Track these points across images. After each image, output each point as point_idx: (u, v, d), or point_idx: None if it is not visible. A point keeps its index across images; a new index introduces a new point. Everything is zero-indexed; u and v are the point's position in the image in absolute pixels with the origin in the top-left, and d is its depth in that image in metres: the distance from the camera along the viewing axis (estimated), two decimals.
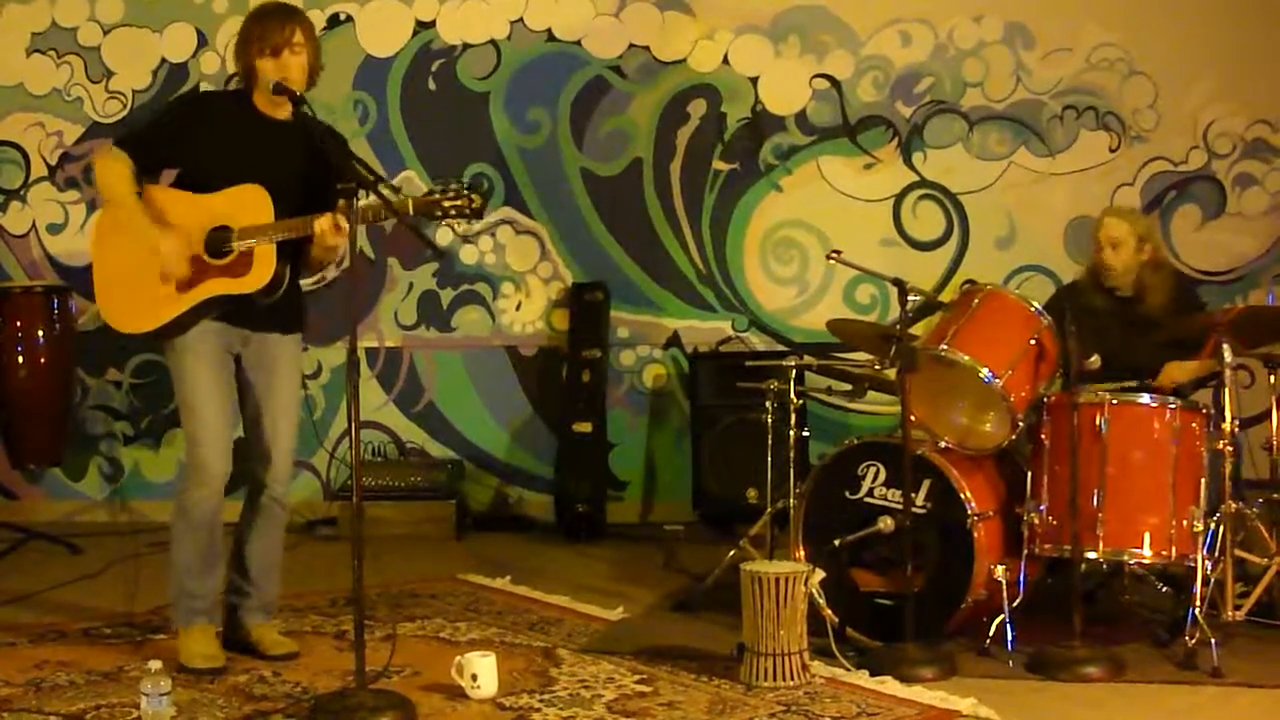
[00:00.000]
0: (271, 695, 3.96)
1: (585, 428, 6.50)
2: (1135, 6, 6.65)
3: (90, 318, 6.22)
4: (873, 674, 4.10)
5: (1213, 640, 4.17)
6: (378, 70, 6.72)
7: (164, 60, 6.65)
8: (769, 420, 5.08)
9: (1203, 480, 4.44)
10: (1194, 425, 4.46)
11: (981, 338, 4.46)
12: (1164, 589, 4.71)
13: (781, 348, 6.63)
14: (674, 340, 6.80)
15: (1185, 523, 4.37)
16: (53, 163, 6.68)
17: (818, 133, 6.75)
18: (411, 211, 3.97)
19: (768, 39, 6.73)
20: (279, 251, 4.09)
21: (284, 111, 4.18)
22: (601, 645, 4.47)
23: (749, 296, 6.79)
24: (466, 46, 6.74)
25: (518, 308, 6.81)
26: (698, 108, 6.75)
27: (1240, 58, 6.59)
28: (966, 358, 4.41)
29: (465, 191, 3.95)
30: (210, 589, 4.27)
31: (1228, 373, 4.42)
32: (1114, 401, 4.43)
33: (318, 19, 6.64)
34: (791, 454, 4.94)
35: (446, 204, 3.97)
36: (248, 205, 4.09)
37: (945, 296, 5.88)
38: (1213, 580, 4.35)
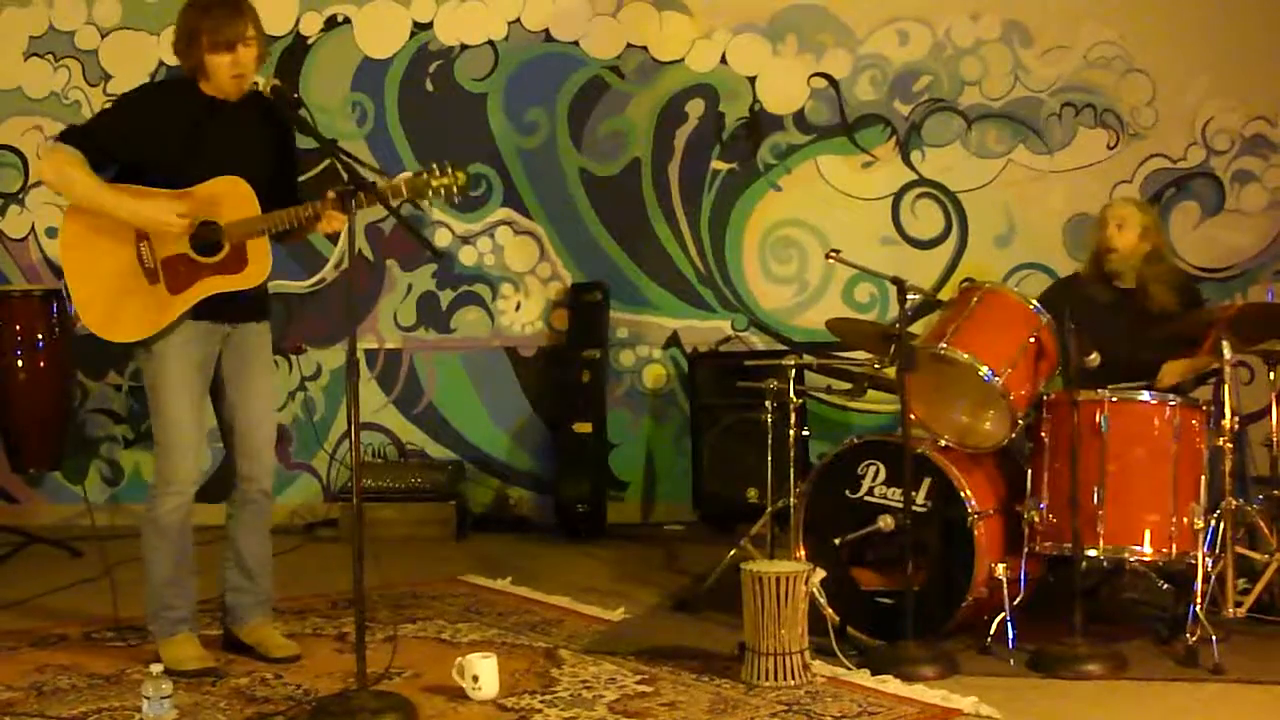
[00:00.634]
0: (273, 697, 3.95)
1: (585, 428, 6.50)
2: (1133, 4, 6.65)
3: None
4: (874, 673, 4.10)
5: (1214, 637, 4.17)
6: (375, 72, 6.72)
7: (161, 63, 6.64)
8: (769, 420, 5.08)
9: (1203, 477, 4.44)
10: (1194, 422, 4.46)
11: (981, 336, 4.46)
12: (1165, 586, 4.70)
13: (781, 347, 6.63)
14: (673, 340, 6.80)
15: (1186, 520, 4.37)
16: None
17: (816, 132, 6.74)
18: (405, 191, 3.96)
19: (765, 38, 6.73)
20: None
21: (237, 94, 4.08)
22: (602, 646, 4.47)
23: (748, 296, 6.79)
24: (464, 47, 6.74)
25: (517, 308, 6.81)
26: (696, 107, 6.75)
27: (1238, 54, 6.59)
28: (966, 356, 4.40)
29: (449, 169, 3.95)
30: (188, 598, 4.25)
31: (1227, 369, 4.42)
32: (1114, 399, 4.43)
33: (315, 20, 6.66)
34: (791, 453, 4.94)
35: (435, 183, 3.96)
36: (231, 198, 4.02)
37: (944, 295, 5.87)
38: (1213, 577, 4.36)
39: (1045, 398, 4.53)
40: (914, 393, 4.41)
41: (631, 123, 6.76)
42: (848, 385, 5.35)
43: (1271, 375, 4.76)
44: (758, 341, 6.76)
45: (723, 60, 6.74)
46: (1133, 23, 6.63)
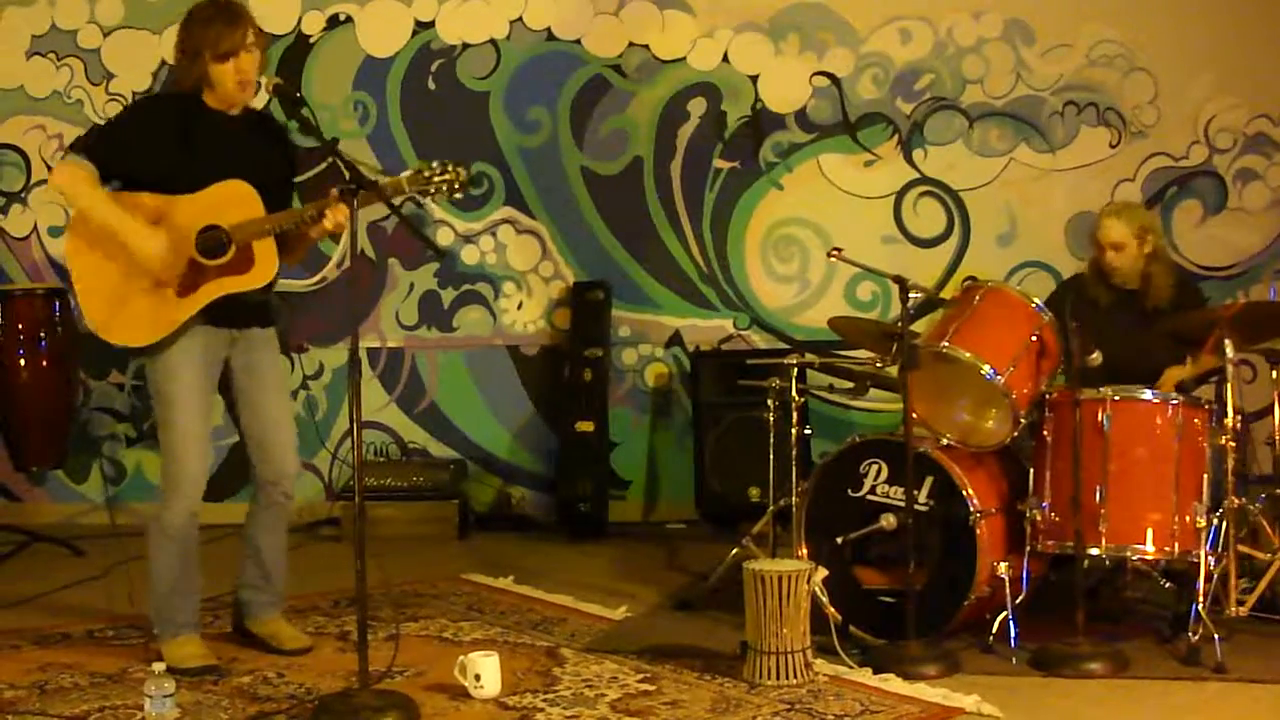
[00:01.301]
0: (275, 696, 3.96)
1: (587, 427, 6.50)
2: (1135, 2, 6.64)
3: None
4: (876, 671, 4.10)
5: (1216, 636, 4.17)
6: (377, 70, 6.72)
7: (163, 62, 6.65)
8: (771, 418, 5.08)
9: (1205, 476, 4.43)
10: (1196, 421, 4.46)
11: (983, 334, 4.45)
12: (1167, 585, 4.70)
13: (783, 346, 6.63)
14: (675, 339, 6.80)
15: (1188, 518, 4.37)
16: (53, 165, 6.67)
17: (818, 130, 6.74)
18: (407, 186, 3.97)
19: (767, 37, 6.72)
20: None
21: (238, 105, 4.16)
22: (604, 644, 4.47)
23: (750, 294, 6.79)
24: (466, 46, 6.74)
25: (519, 307, 6.81)
26: (698, 106, 6.75)
27: (1240, 52, 6.59)
28: (968, 354, 4.40)
29: (451, 166, 3.96)
30: (193, 602, 4.27)
31: (1230, 368, 4.42)
32: (1116, 398, 4.43)
33: (317, 19, 6.66)
34: (793, 452, 4.94)
35: (436, 179, 3.98)
36: (234, 201, 4.05)
37: (946, 293, 5.87)
38: (1216, 576, 4.35)
39: (1047, 396, 4.53)
40: (916, 391, 4.42)
41: (633, 121, 6.76)
42: (850, 384, 5.35)
43: (1274, 374, 4.76)
44: (760, 340, 6.76)
45: (725, 59, 6.73)
46: (1135, 21, 6.62)
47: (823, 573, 4.31)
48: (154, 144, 4.09)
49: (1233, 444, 4.41)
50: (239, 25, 4.07)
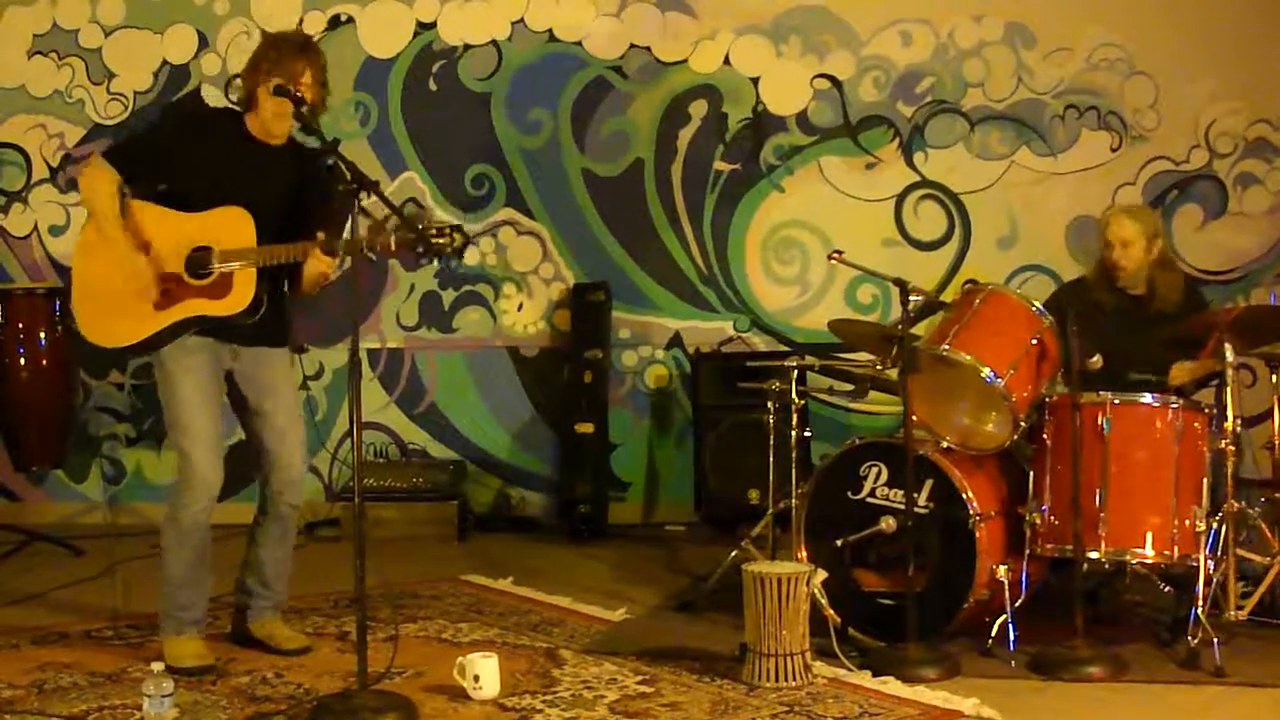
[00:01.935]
0: (274, 696, 3.96)
1: (587, 428, 6.50)
2: (1136, 6, 6.65)
3: None
4: (875, 674, 4.10)
5: (1215, 640, 4.17)
6: (379, 71, 6.73)
7: (165, 62, 6.66)
8: (771, 421, 5.08)
9: (1205, 480, 4.44)
10: (1196, 425, 4.46)
11: (983, 338, 4.45)
12: (1166, 588, 4.71)
13: (783, 348, 6.63)
14: (675, 341, 6.80)
15: (1187, 522, 4.37)
16: (54, 165, 6.68)
17: (819, 133, 6.74)
18: (394, 245, 3.97)
19: (769, 39, 6.72)
20: (260, 274, 4.13)
21: (277, 137, 4.22)
22: (604, 646, 4.47)
23: (750, 297, 6.79)
24: (468, 47, 6.74)
25: (519, 308, 6.81)
26: (699, 108, 6.75)
27: (1241, 57, 6.59)
28: (968, 358, 4.40)
29: (450, 230, 3.96)
30: (201, 600, 4.29)
31: (1230, 372, 4.42)
32: (1116, 401, 4.43)
33: (319, 20, 6.66)
34: (793, 454, 4.94)
35: (434, 241, 3.96)
36: (229, 227, 4.12)
37: (947, 296, 5.86)
38: (1215, 580, 4.35)
39: (1047, 400, 4.53)
40: (916, 394, 4.42)
41: (634, 123, 6.76)
42: (850, 386, 5.36)
43: (1274, 378, 4.76)
44: (760, 342, 6.76)
45: (726, 61, 6.73)
46: (1136, 25, 6.62)
47: (822, 575, 4.31)
48: (182, 158, 4.18)
49: (1232, 448, 4.41)
50: (301, 59, 4.14)
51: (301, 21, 6.64)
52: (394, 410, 6.78)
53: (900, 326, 4.47)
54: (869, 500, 4.56)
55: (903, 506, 4.37)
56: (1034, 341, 4.47)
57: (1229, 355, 4.40)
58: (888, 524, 4.47)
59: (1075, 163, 6.67)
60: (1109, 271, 5.04)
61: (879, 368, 4.83)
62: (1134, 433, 4.43)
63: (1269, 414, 4.77)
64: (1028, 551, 4.45)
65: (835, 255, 4.74)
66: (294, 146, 4.30)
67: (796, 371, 5.03)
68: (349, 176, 3.86)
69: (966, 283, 5.34)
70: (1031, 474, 4.53)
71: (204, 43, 6.67)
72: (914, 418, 4.39)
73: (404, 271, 6.74)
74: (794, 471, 4.89)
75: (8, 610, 4.94)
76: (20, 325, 6.01)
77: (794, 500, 4.79)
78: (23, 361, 6.00)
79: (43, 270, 6.68)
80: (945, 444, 4.57)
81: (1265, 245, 6.65)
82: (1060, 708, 3.93)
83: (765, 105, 6.74)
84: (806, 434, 5.42)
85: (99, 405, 6.69)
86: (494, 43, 6.74)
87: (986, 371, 4.38)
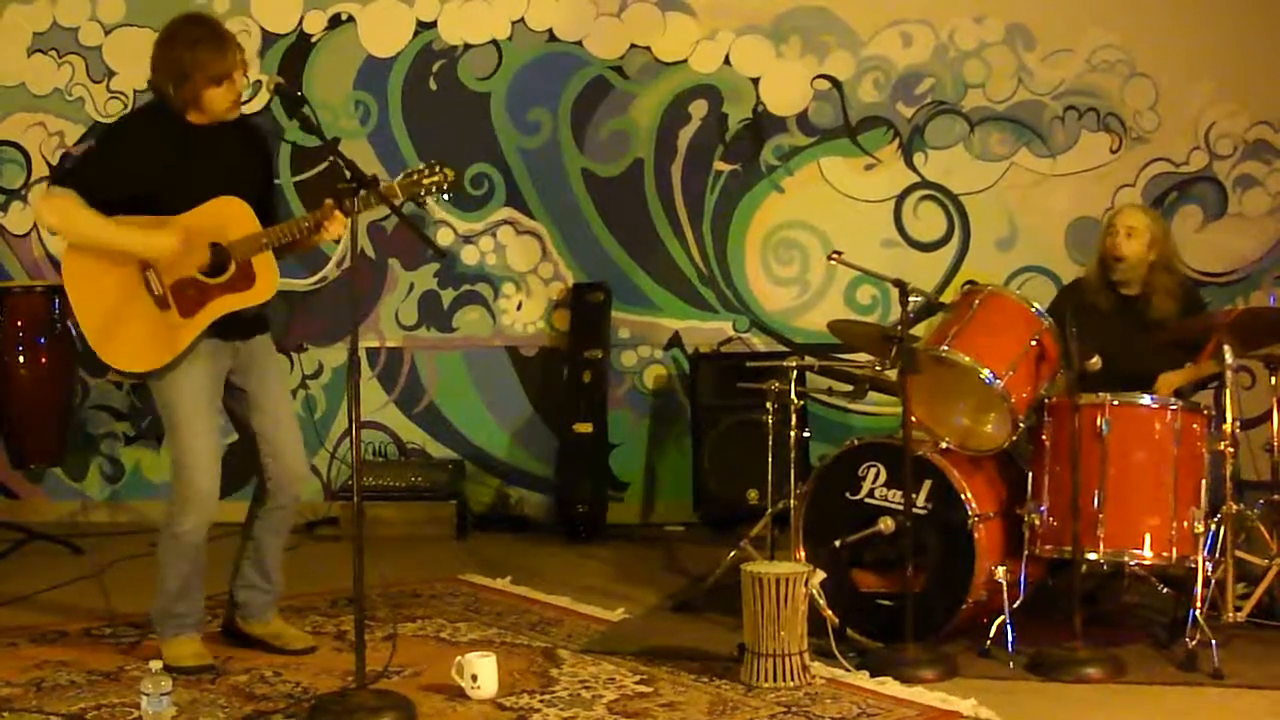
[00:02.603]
0: (272, 695, 3.96)
1: (586, 428, 6.49)
2: (1136, 8, 6.64)
3: None
4: (873, 675, 4.11)
5: (1213, 641, 4.17)
6: (379, 70, 6.72)
7: None
8: (770, 421, 5.08)
9: (1203, 481, 4.44)
10: (1195, 426, 4.46)
11: (982, 339, 4.46)
12: (1164, 590, 4.71)
13: (782, 348, 6.62)
14: (675, 341, 6.80)
15: (1186, 524, 4.37)
16: (54, 163, 6.66)
17: (819, 133, 6.74)
18: (398, 191, 3.99)
19: (769, 40, 6.72)
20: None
21: (207, 117, 4.12)
22: (602, 646, 4.47)
23: (750, 297, 6.79)
24: (468, 47, 6.74)
25: (519, 308, 6.81)
26: (699, 108, 6.75)
27: (1241, 59, 6.59)
28: (967, 358, 4.41)
29: (439, 166, 3.97)
30: (197, 606, 4.28)
31: (1229, 374, 4.42)
32: (1115, 403, 4.43)
33: (319, 19, 6.66)
34: (792, 455, 4.94)
35: (426, 180, 3.99)
36: (230, 217, 4.08)
37: (946, 297, 5.86)
38: (1213, 581, 4.36)
39: (1046, 401, 4.53)
40: (915, 395, 4.42)
41: (634, 123, 6.76)
42: (849, 387, 5.35)
43: (1273, 380, 4.77)
44: (759, 343, 6.76)
45: (726, 61, 6.73)
46: (1136, 27, 6.62)
47: (820, 575, 4.31)
48: (143, 166, 4.07)
49: (1231, 449, 4.41)
50: (227, 49, 4.05)
51: (302, 20, 6.65)
52: (393, 409, 6.78)
53: (899, 327, 4.47)
54: (867, 501, 4.56)
55: (901, 507, 4.38)
56: (1033, 343, 4.47)
57: (1228, 357, 4.40)
58: (886, 524, 4.47)
59: (1075, 164, 6.67)
60: (1107, 265, 5.04)
61: (878, 368, 4.83)
62: (1133, 434, 4.43)
63: (1267, 416, 4.77)
64: (1026, 552, 4.45)
65: (835, 256, 4.74)
66: (232, 124, 4.18)
67: (796, 372, 5.03)
68: (349, 175, 3.86)
69: (966, 284, 5.35)
70: (1030, 475, 4.53)
71: None
72: (913, 418, 4.39)
73: (403, 271, 6.74)
74: (793, 472, 4.89)
75: (6, 608, 4.94)
76: (19, 323, 6.00)
77: (793, 501, 4.79)
78: (21, 359, 5.99)
79: (42, 268, 6.67)
80: (944, 445, 4.57)
81: (1265, 247, 6.65)
82: (1058, 709, 3.94)
83: (765, 105, 6.73)
84: (805, 434, 5.42)
85: (98, 403, 6.69)
86: (494, 42, 6.73)
87: (985, 372, 4.38)
